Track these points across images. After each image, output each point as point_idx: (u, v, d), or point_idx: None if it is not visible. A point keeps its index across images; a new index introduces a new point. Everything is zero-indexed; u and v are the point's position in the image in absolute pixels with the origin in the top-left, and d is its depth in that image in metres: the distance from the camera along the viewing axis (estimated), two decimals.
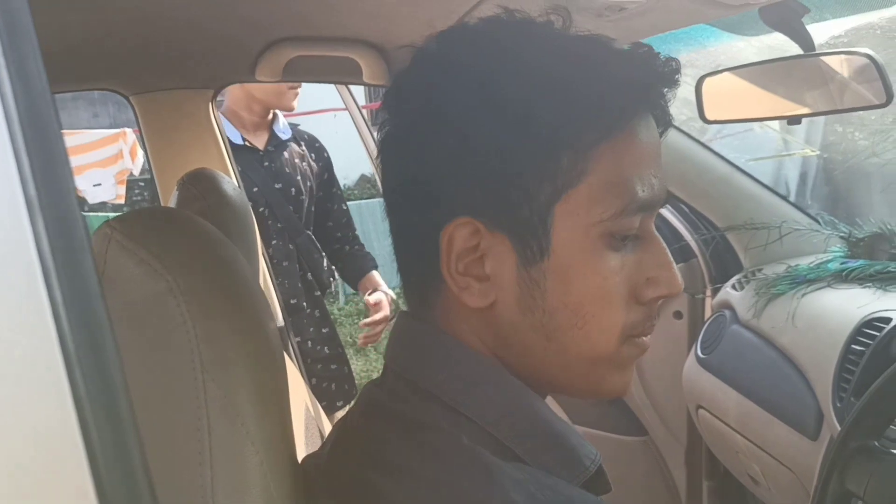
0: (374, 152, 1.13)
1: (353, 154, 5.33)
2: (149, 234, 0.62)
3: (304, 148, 2.53)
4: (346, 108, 2.56)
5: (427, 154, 0.66)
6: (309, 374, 2.40)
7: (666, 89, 0.67)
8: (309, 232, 2.47)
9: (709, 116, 1.71)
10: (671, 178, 2.09)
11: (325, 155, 2.58)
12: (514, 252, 0.65)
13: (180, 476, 0.60)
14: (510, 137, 0.63)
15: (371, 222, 6.90)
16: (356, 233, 2.67)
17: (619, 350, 0.68)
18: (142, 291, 0.60)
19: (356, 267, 2.60)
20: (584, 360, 0.68)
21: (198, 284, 0.61)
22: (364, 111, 2.60)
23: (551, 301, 0.66)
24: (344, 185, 9.81)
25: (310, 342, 2.45)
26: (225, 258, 0.67)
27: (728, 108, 1.72)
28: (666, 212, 2.26)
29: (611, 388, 0.70)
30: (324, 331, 2.49)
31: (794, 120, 1.62)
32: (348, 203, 2.72)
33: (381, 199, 0.73)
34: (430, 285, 0.70)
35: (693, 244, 2.22)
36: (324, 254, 2.53)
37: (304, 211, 2.46)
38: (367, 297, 2.47)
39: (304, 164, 2.49)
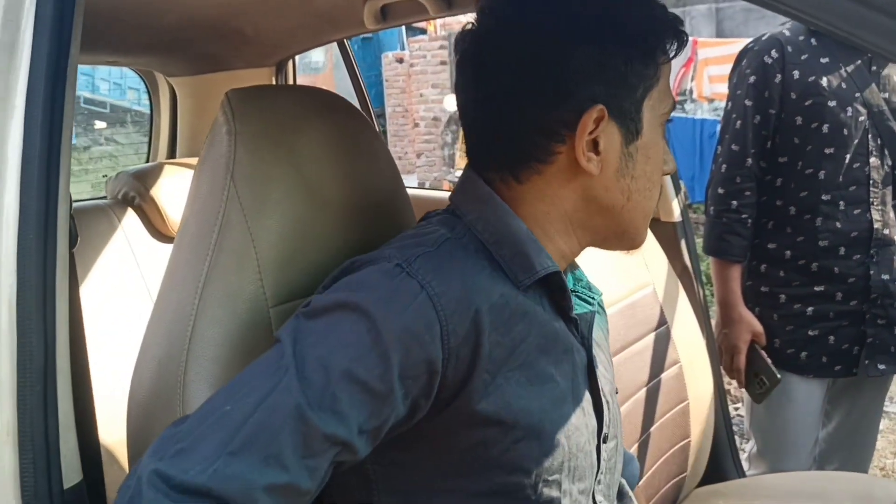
0: None
1: None
2: None
3: None
4: None
5: (570, 60, 0.85)
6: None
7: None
8: None
9: None
10: None
11: None
12: (620, 133, 0.89)
13: None
14: (630, 51, 0.87)
15: None
16: None
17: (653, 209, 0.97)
18: None
19: None
20: (643, 214, 0.94)
21: None
22: None
23: (637, 170, 0.91)
24: None
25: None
26: None
27: None
28: None
29: (643, 239, 0.97)
30: None
31: None
32: None
33: None
34: (529, 166, 0.89)
35: None
36: None
37: None
38: None
39: None
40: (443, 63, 9.53)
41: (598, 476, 0.96)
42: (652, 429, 1.64)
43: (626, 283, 1.69)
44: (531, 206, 0.91)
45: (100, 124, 11.95)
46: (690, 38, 1.03)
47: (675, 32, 0.90)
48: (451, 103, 8.58)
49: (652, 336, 1.69)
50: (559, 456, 0.87)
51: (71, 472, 0.75)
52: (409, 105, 9.95)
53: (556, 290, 0.91)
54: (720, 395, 1.92)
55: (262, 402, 0.73)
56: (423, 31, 10.08)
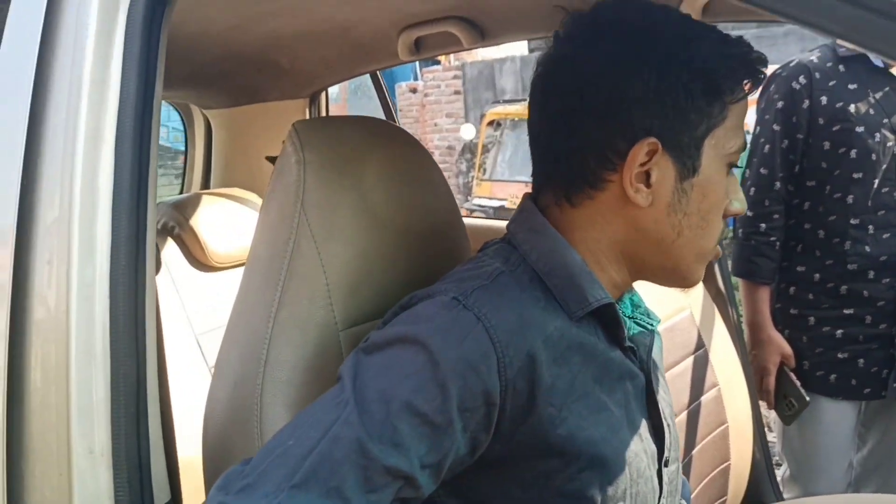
0: None
1: None
2: None
3: None
4: None
5: (628, 87, 0.86)
6: None
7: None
8: None
9: None
10: None
11: None
12: (675, 168, 0.88)
13: None
14: (693, 87, 0.86)
15: None
16: None
17: (713, 250, 0.93)
18: None
19: None
20: (695, 252, 0.92)
21: None
22: None
23: (691, 207, 0.89)
24: None
25: None
26: None
27: None
28: None
29: (696, 279, 0.96)
30: None
31: None
32: None
33: None
34: (582, 190, 0.90)
35: None
36: None
37: None
38: None
39: None
40: (457, 93, 9.62)
41: (660, 500, 0.96)
42: (694, 452, 1.65)
43: (665, 307, 1.71)
44: (583, 231, 0.92)
45: None
46: None
47: (750, 72, 0.89)
48: (468, 132, 8.65)
49: (691, 359, 1.71)
50: (622, 483, 0.88)
51: (160, 492, 0.78)
52: (422, 135, 10.03)
53: (610, 321, 0.92)
54: (757, 418, 1.93)
55: (324, 436, 0.75)
56: (437, 62, 10.19)
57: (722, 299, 1.96)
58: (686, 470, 1.62)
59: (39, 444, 0.78)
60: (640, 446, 0.92)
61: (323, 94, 2.37)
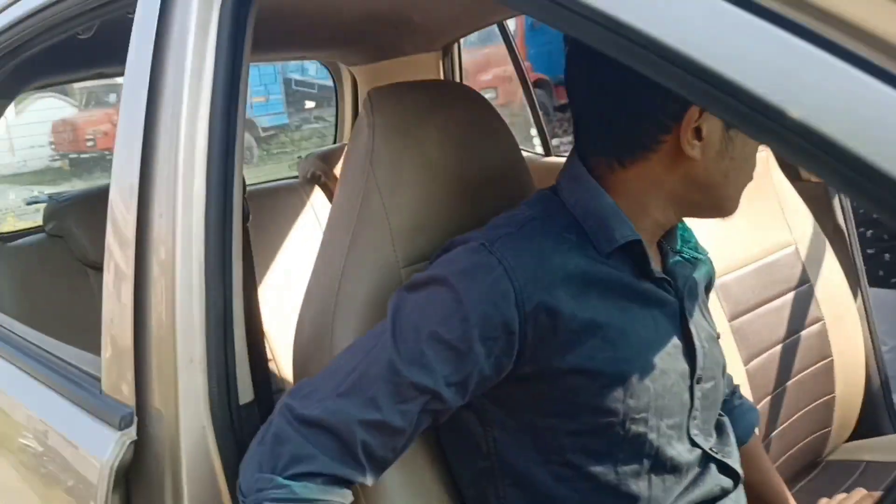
0: None
1: None
2: None
3: None
4: None
5: None
6: None
7: None
8: None
9: None
10: None
11: None
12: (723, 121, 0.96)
13: None
14: None
15: None
16: None
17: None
18: None
19: None
20: (738, 189, 1.03)
21: None
22: None
23: (736, 152, 0.98)
24: None
25: None
26: None
27: None
28: None
29: (734, 210, 1.05)
30: None
31: None
32: None
33: None
34: (634, 154, 0.99)
35: None
36: None
37: None
38: None
39: None
40: None
41: (692, 413, 1.07)
42: (788, 383, 1.70)
43: (765, 243, 1.76)
44: (632, 186, 1.01)
45: (309, 104, 12.80)
46: None
47: None
48: None
49: (791, 294, 1.75)
50: (644, 398, 0.99)
51: (244, 394, 1.00)
52: None
53: (638, 257, 1.02)
54: (875, 352, 1.93)
55: (365, 357, 0.94)
56: None
57: (840, 235, 1.96)
58: (779, 400, 1.68)
59: (155, 354, 1.02)
60: (669, 365, 1.03)
61: (455, 45, 2.52)
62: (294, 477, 0.90)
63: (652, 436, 1.02)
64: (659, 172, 1.00)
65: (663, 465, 1.03)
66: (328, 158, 2.28)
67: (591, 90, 1.02)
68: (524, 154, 1.68)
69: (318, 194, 2.29)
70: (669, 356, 1.04)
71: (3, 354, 1.53)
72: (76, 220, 2.15)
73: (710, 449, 1.09)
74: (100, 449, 1.06)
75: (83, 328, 1.32)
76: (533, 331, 0.95)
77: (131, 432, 1.03)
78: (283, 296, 2.09)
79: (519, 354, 0.97)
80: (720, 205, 1.04)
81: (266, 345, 1.13)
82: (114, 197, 1.12)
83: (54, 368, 1.34)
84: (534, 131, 2.77)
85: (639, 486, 1.02)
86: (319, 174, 2.27)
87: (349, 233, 1.11)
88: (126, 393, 1.06)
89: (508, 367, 0.97)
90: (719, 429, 1.17)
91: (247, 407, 1.00)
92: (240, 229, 1.02)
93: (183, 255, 0.99)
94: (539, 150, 2.78)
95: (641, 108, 0.97)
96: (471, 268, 0.96)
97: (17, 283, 2.12)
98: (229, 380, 0.99)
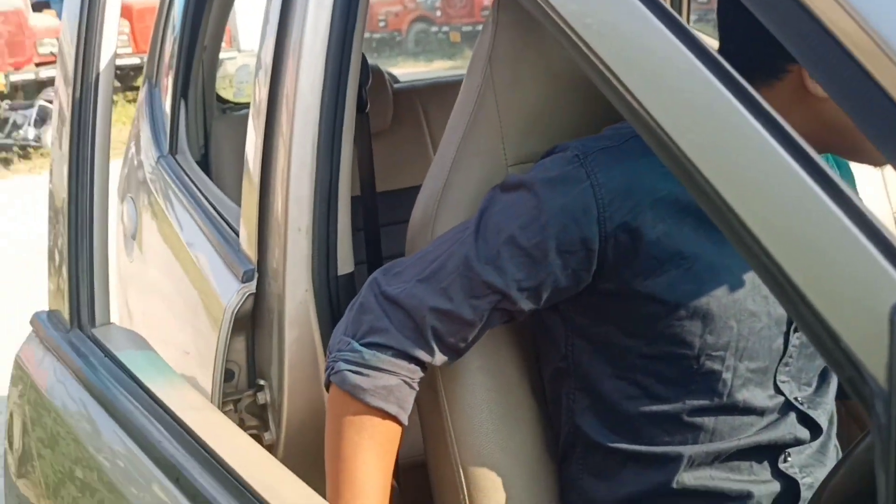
0: None
1: None
2: None
3: None
4: None
5: None
6: None
7: None
8: None
9: None
10: None
11: None
12: None
13: None
14: None
15: None
16: None
17: None
18: None
19: None
20: None
21: None
22: None
23: None
24: None
25: None
26: None
27: None
28: None
29: (881, 161, 0.98)
30: None
31: None
32: None
33: None
34: (760, 77, 0.94)
35: None
36: None
37: None
38: None
39: None
40: None
41: (783, 359, 1.03)
42: None
43: None
44: None
45: None
46: None
47: None
48: None
49: None
50: (725, 336, 0.98)
51: (344, 264, 1.11)
52: None
53: None
54: None
55: (447, 250, 1.00)
56: None
57: None
58: None
59: (273, 221, 1.15)
60: (762, 308, 0.99)
61: None
62: (368, 345, 1.00)
63: (727, 375, 1.00)
64: (785, 105, 0.93)
65: (734, 406, 1.02)
66: None
67: (733, 6, 0.98)
68: None
69: None
70: (765, 299, 1.00)
71: (187, 206, 1.75)
72: None
73: (796, 398, 1.05)
74: (227, 295, 1.22)
75: None
76: (614, 250, 0.97)
77: (251, 286, 1.18)
78: None
79: (598, 271, 0.98)
80: (860, 150, 0.97)
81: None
82: (259, 75, 1.25)
83: (218, 228, 1.53)
84: None
85: (704, 421, 1.02)
86: None
87: (463, 127, 1.16)
88: (251, 252, 1.21)
89: (587, 280, 0.99)
90: (822, 378, 1.11)
91: (344, 277, 1.11)
92: (352, 116, 1.10)
93: (300, 134, 1.10)
94: None
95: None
96: (558, 178, 0.98)
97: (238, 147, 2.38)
98: (330, 249, 1.09)
